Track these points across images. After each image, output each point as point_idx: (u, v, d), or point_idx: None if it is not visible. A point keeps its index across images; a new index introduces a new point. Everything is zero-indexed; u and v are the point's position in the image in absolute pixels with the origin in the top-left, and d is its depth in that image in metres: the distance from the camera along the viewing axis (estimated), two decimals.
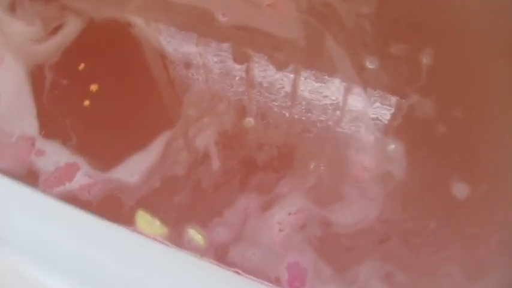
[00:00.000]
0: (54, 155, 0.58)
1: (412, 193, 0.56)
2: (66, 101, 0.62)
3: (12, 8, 0.68)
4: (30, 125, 0.60)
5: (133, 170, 0.58)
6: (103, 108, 0.62)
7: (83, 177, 0.57)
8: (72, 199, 0.56)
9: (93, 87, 0.63)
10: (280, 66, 0.64)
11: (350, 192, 0.57)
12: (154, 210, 0.56)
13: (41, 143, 0.59)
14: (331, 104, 0.62)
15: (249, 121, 0.61)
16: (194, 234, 0.55)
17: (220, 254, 0.54)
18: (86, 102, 0.62)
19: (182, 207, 0.56)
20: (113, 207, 0.56)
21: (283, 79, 0.63)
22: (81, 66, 0.64)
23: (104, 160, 0.59)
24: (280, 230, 0.55)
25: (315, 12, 0.67)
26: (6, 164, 0.57)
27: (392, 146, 0.59)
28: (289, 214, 0.56)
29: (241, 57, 0.65)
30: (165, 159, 0.59)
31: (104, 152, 0.59)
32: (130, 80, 0.64)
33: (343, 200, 0.56)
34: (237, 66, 0.65)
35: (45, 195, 0.55)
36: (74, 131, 0.60)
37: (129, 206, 0.56)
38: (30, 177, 0.57)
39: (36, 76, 0.63)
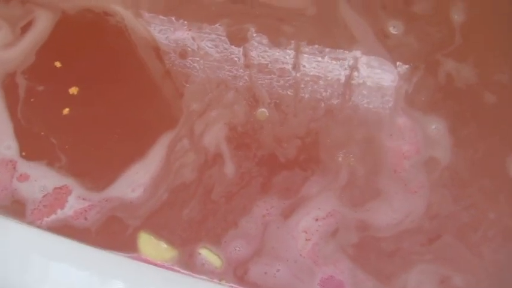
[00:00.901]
0: (40, 179, 0.49)
1: (462, 179, 0.48)
2: (45, 112, 0.53)
3: None
4: (8, 146, 0.51)
5: (134, 183, 0.50)
6: (90, 115, 0.53)
7: (77, 200, 0.49)
8: (67, 229, 0.48)
9: (74, 91, 0.54)
10: (289, 43, 0.55)
11: (388, 185, 0.49)
12: (161, 229, 0.48)
13: (24, 166, 0.50)
14: (353, 82, 0.53)
15: (262, 112, 0.52)
16: (208, 255, 0.47)
17: (239, 275, 0.47)
18: (69, 110, 0.53)
19: (192, 221, 0.49)
20: (116, 232, 0.48)
21: (293, 58, 0.54)
22: (59, 67, 0.55)
23: (98, 177, 0.50)
24: (307, 240, 0.47)
25: None
26: None
27: (433, 126, 0.50)
28: (317, 219, 0.48)
29: (241, 37, 0.56)
30: (169, 165, 0.51)
31: (97, 167, 0.51)
32: (118, 78, 0.55)
33: (380, 197, 0.48)
34: (238, 48, 0.55)
35: (33, 228, 0.47)
36: (59, 148, 0.51)
37: (134, 227, 0.48)
38: (15, 207, 0.49)
39: (8, 87, 0.54)
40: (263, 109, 0.52)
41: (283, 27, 0.56)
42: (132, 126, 0.53)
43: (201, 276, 0.46)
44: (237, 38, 0.56)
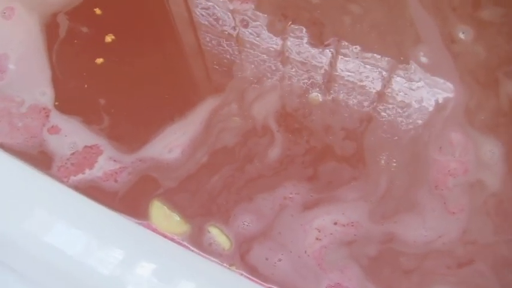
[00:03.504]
0: (71, 135, 0.48)
1: (508, 210, 0.45)
2: (84, 59, 0.51)
3: None
4: (43, 92, 0.50)
5: (171, 144, 0.48)
6: (124, 69, 0.51)
7: (107, 162, 0.47)
8: (94, 190, 0.46)
9: (114, 40, 0.52)
10: (355, 25, 0.52)
11: (425, 200, 0.46)
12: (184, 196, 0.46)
13: (56, 118, 0.49)
14: (411, 83, 0.50)
15: (316, 96, 0.50)
16: (218, 235, 0.45)
17: (243, 252, 0.44)
18: (108, 62, 0.51)
19: (214, 190, 0.46)
20: (148, 191, 0.46)
21: (356, 43, 0.51)
22: (98, 14, 0.53)
23: (132, 138, 0.48)
24: (317, 239, 0.45)
25: None
26: (14, 141, 0.48)
27: (488, 149, 0.47)
28: (335, 223, 0.45)
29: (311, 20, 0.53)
30: (210, 128, 0.49)
31: (132, 126, 0.49)
32: (163, 35, 0.53)
33: (414, 210, 0.46)
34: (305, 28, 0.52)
35: (60, 184, 0.46)
36: (94, 103, 0.49)
37: (167, 188, 0.46)
38: (41, 159, 0.47)
39: (51, 29, 0.52)
40: (317, 93, 0.50)
41: (350, 6, 0.53)
42: (175, 87, 0.51)
43: (211, 258, 0.44)
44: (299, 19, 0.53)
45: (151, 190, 0.46)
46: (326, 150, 0.48)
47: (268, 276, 0.43)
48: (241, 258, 0.44)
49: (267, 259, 0.44)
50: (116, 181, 0.47)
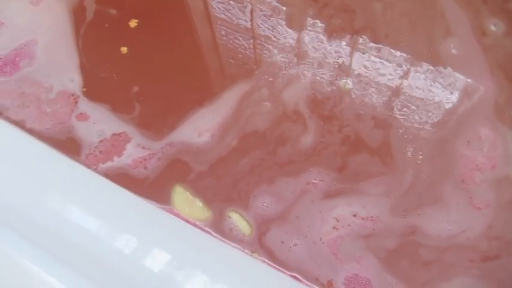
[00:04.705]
0: (99, 123, 0.48)
1: None
2: (109, 45, 0.51)
3: None
4: (72, 79, 0.50)
5: (200, 128, 0.48)
6: (157, 57, 0.51)
7: (136, 149, 0.47)
8: (123, 177, 0.46)
9: (139, 25, 0.52)
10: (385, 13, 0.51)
11: (451, 194, 0.46)
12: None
13: (84, 105, 0.49)
14: (440, 75, 0.49)
15: (346, 83, 0.49)
16: (238, 220, 0.45)
17: (261, 232, 0.44)
18: (133, 49, 0.51)
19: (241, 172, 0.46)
20: (178, 175, 0.47)
21: (385, 30, 0.51)
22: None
23: (160, 124, 0.49)
24: (335, 228, 0.44)
25: None
26: (42, 126, 0.48)
27: None
28: (355, 215, 0.45)
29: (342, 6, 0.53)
30: (240, 113, 0.49)
31: (161, 113, 0.49)
32: (191, 19, 0.53)
33: (438, 204, 0.45)
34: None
35: (86, 169, 0.46)
36: (121, 88, 0.50)
37: (199, 172, 0.47)
38: (70, 145, 0.48)
39: (78, 13, 0.52)
40: (347, 80, 0.50)
41: None
42: (201, 72, 0.51)
43: (234, 244, 0.44)
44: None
45: (182, 174, 0.46)
46: (358, 141, 0.47)
47: (283, 261, 0.43)
48: (259, 240, 0.44)
49: (282, 242, 0.44)
50: (145, 168, 0.47)
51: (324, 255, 0.43)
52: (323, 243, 0.44)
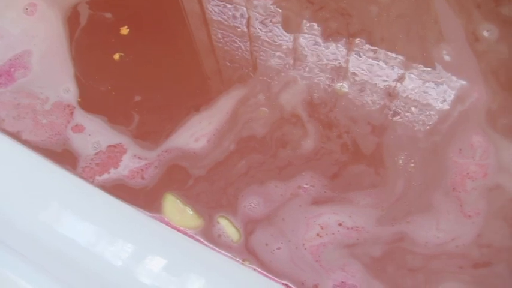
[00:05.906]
0: (94, 134, 0.49)
1: None
2: (102, 54, 0.51)
3: None
4: (67, 89, 0.50)
5: (197, 133, 0.49)
6: (149, 65, 0.52)
7: (132, 160, 0.48)
8: (121, 188, 0.47)
9: (130, 33, 0.52)
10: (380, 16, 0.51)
11: (441, 202, 0.46)
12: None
13: (80, 116, 0.49)
14: (433, 82, 0.49)
15: (341, 86, 0.50)
16: (227, 226, 0.45)
17: (248, 231, 0.45)
18: (125, 57, 0.51)
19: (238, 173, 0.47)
20: (178, 180, 0.47)
21: (381, 33, 0.51)
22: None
23: (156, 133, 0.49)
24: (318, 235, 0.45)
25: None
26: (38, 138, 0.49)
27: (510, 152, 0.46)
28: (340, 224, 0.45)
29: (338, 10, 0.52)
30: (236, 117, 0.49)
31: (157, 122, 0.50)
32: (184, 26, 0.53)
33: (428, 212, 0.46)
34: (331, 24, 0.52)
35: (81, 181, 0.47)
36: (116, 99, 0.50)
37: (197, 177, 0.47)
38: (66, 157, 0.48)
39: (72, 22, 0.52)
40: (343, 83, 0.50)
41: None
42: (195, 79, 0.52)
43: (224, 252, 0.44)
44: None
45: (179, 180, 0.47)
46: (354, 148, 0.48)
47: (266, 264, 0.44)
48: (245, 244, 0.44)
49: (266, 245, 0.44)
50: (142, 178, 0.47)
51: (306, 261, 0.44)
52: (305, 249, 0.44)
